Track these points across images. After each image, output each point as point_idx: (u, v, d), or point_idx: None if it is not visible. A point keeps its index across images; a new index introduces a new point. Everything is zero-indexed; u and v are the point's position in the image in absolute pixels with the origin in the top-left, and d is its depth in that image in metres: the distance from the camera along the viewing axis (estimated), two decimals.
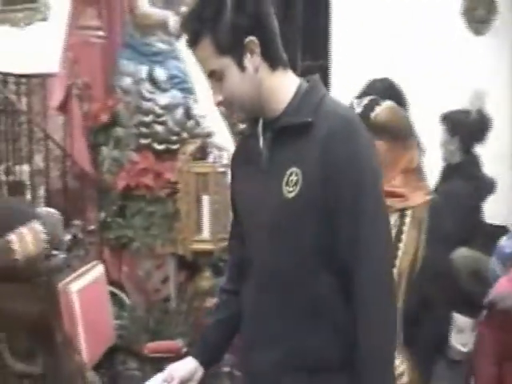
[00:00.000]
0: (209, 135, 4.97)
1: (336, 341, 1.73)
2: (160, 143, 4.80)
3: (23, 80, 6.28)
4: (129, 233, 4.64)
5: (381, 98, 2.30)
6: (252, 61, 1.73)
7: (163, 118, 4.82)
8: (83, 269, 2.96)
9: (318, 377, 1.74)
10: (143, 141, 4.79)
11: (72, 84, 5.00)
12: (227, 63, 1.73)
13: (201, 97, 5.19)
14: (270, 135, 1.78)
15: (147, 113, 4.84)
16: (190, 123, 4.94)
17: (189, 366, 1.96)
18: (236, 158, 1.99)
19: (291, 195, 1.70)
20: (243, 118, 1.92)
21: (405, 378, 2.10)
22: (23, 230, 1.73)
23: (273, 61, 1.76)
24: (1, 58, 6.38)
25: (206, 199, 4.52)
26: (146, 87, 4.91)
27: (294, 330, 1.75)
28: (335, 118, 1.72)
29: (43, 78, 6.26)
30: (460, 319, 2.72)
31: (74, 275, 2.89)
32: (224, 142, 4.93)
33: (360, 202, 1.69)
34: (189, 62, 5.30)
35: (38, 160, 5.72)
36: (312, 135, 1.70)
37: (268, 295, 1.80)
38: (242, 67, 1.73)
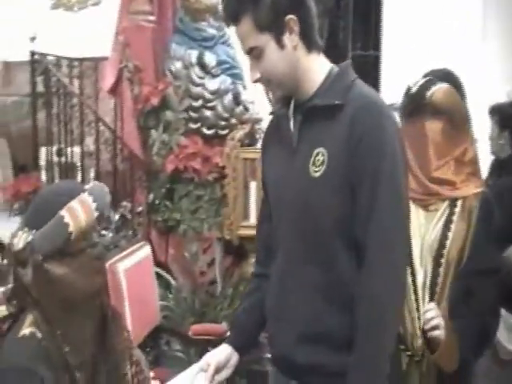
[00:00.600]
0: (257, 121, 4.97)
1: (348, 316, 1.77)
2: (209, 128, 4.83)
3: (76, 63, 6.38)
4: (176, 216, 4.68)
5: (439, 80, 2.28)
6: (291, 39, 1.77)
7: (212, 103, 4.84)
8: (131, 249, 3.00)
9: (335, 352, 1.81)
10: (192, 125, 4.83)
11: (123, 67, 5.04)
12: (266, 40, 1.76)
13: (249, 83, 5.18)
14: (300, 116, 1.84)
15: (197, 97, 4.86)
16: (239, 109, 4.95)
17: (224, 352, 2.00)
18: (267, 139, 2.04)
19: (317, 174, 1.77)
20: (279, 96, 1.93)
21: (438, 332, 2.08)
22: (73, 203, 1.78)
23: (309, 43, 1.82)
24: (55, 41, 6.49)
25: (253, 185, 4.54)
26: (196, 72, 4.92)
27: (313, 304, 1.82)
28: (363, 102, 1.77)
29: (95, 62, 6.36)
30: (510, 318, 2.67)
31: (121, 255, 2.93)
32: None
33: (377, 187, 1.72)
34: (238, 47, 5.30)
35: (89, 142, 5.80)
36: (340, 117, 1.76)
37: (292, 271, 1.87)
38: (280, 45, 1.77)
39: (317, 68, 1.86)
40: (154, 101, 4.81)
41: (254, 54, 1.79)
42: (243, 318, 2.07)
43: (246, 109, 4.98)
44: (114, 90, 5.31)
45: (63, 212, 1.77)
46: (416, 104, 2.28)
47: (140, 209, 4.41)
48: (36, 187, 5.23)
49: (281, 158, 1.91)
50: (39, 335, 1.79)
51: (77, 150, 6.02)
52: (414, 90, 2.27)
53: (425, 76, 2.42)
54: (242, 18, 1.76)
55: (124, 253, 2.94)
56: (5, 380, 1.74)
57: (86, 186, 1.87)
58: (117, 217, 2.85)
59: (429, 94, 2.23)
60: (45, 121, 6.04)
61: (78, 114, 5.75)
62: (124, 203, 3.87)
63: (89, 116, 5.82)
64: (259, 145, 4.64)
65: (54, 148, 6.06)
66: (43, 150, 6.37)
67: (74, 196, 1.80)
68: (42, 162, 6.52)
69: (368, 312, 1.73)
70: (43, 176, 6.16)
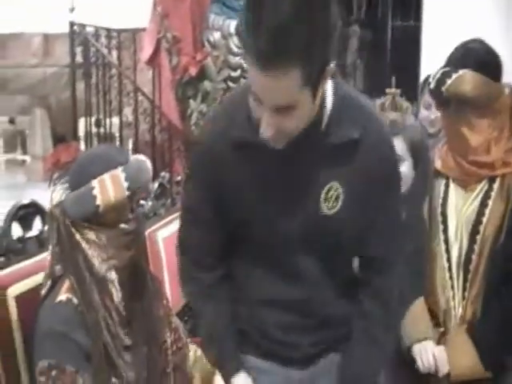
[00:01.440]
0: None
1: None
2: None
3: (114, 34, 6.38)
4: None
5: (455, 68, 2.20)
6: (322, 86, 1.49)
7: None
8: (170, 217, 2.99)
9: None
10: None
11: (161, 38, 5.03)
12: (305, 95, 1.44)
13: None
14: (305, 150, 1.60)
15: (235, 67, 4.84)
16: None
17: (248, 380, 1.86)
18: (226, 155, 1.67)
19: (332, 211, 1.65)
20: (280, 144, 1.55)
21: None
22: (105, 176, 1.75)
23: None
24: (93, 12, 6.49)
25: None
26: (235, 42, 4.89)
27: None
28: (376, 135, 1.65)
29: (133, 33, 6.35)
30: None
31: (160, 223, 2.94)
32: None
33: (395, 206, 1.77)
34: None
35: (128, 113, 5.82)
36: (353, 151, 1.61)
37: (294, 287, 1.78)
38: (314, 98, 1.47)
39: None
40: (193, 71, 4.80)
41: (285, 110, 1.44)
42: (233, 342, 1.87)
43: None
44: (152, 61, 5.31)
45: (94, 183, 1.75)
46: (437, 99, 2.27)
47: (179, 178, 4.40)
48: (75, 157, 5.24)
49: (273, 191, 1.66)
50: (75, 301, 1.79)
51: (115, 120, 6.06)
52: (432, 85, 2.21)
53: (447, 61, 2.37)
54: (291, 71, 1.36)
55: (163, 221, 2.94)
56: (42, 346, 1.75)
57: (126, 158, 1.82)
58: (155, 185, 2.84)
59: (445, 88, 2.17)
60: (84, 92, 6.06)
61: (117, 85, 5.77)
62: (162, 174, 3.86)
63: (127, 86, 5.84)
64: None
65: (93, 119, 6.09)
66: (82, 121, 6.41)
67: (111, 168, 1.76)
68: (81, 132, 6.57)
69: (385, 317, 1.80)
70: (82, 146, 6.20)
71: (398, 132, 2.54)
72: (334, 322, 1.82)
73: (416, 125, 2.79)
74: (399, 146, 2.46)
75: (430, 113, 3.70)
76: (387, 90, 5.56)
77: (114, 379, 1.82)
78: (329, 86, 1.59)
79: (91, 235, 1.79)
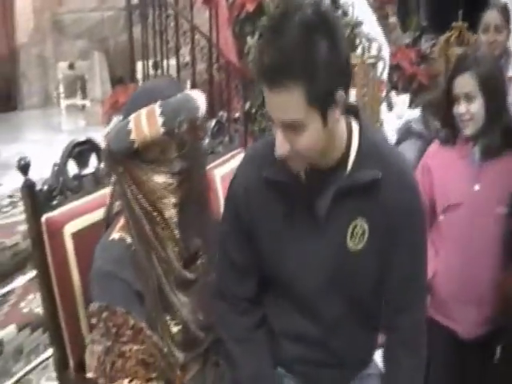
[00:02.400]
0: (357, 25, 4.76)
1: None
2: None
3: None
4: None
5: None
6: (334, 114, 1.54)
7: None
8: (227, 156, 2.93)
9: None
10: None
11: None
12: (313, 116, 1.51)
13: None
14: (334, 190, 1.66)
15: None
16: (338, 13, 4.76)
17: None
18: (255, 197, 1.74)
19: (358, 247, 1.69)
20: (299, 168, 1.65)
21: None
22: (142, 111, 1.69)
23: (342, 110, 1.60)
24: None
25: (353, 92, 4.37)
26: None
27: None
28: (397, 175, 1.70)
29: None
30: None
31: (218, 161, 2.88)
32: (373, 32, 4.72)
33: (418, 244, 1.77)
34: None
35: (185, 52, 5.75)
36: (375, 188, 1.66)
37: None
38: (325, 122, 1.53)
39: (340, 131, 1.65)
40: (250, 7, 4.71)
41: (293, 127, 1.51)
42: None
43: (345, 13, 4.79)
44: (209, 0, 5.21)
45: (131, 117, 1.69)
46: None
47: (237, 115, 4.35)
48: None
49: (299, 229, 1.71)
50: (128, 240, 1.76)
51: (172, 62, 5.99)
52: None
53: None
54: (290, 85, 1.45)
55: (221, 159, 2.88)
56: (93, 285, 1.74)
57: (177, 93, 1.74)
58: (213, 122, 2.78)
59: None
60: (140, 35, 6.01)
61: (173, 25, 5.68)
62: (220, 113, 3.81)
63: (184, 26, 5.74)
64: (359, 50, 4.47)
65: (151, 61, 6.05)
66: (139, 64, 6.38)
67: (152, 101, 1.69)
68: (139, 75, 6.54)
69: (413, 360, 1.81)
70: None
71: (467, 67, 2.38)
72: (356, 362, 1.88)
73: (488, 57, 2.56)
74: (469, 82, 2.33)
75: (488, 36, 3.56)
76: (453, 24, 5.34)
77: (168, 318, 1.79)
78: (355, 128, 1.68)
79: (136, 172, 1.74)
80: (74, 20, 7.24)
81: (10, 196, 4.44)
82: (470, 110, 2.35)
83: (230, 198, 1.82)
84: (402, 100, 5.11)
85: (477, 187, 2.38)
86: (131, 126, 1.68)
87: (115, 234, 1.78)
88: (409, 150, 2.99)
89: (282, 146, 1.56)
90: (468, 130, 2.38)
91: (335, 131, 1.61)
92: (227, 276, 1.84)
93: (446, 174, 2.47)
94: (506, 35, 3.64)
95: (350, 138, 1.67)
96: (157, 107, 1.68)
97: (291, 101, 1.48)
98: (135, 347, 1.70)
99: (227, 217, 1.83)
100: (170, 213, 1.77)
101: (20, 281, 3.48)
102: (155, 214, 1.75)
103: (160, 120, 1.67)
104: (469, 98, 2.35)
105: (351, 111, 1.71)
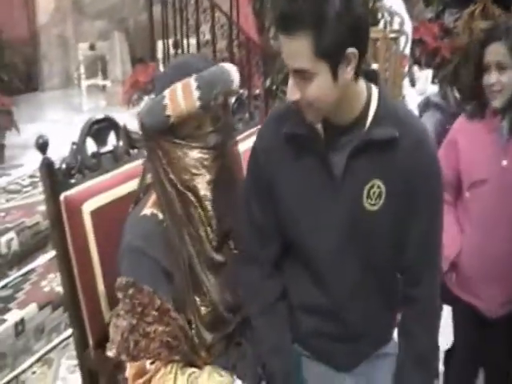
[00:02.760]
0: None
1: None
2: None
3: None
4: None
5: None
6: (346, 72, 1.56)
7: None
8: (248, 132, 2.90)
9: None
10: None
11: None
12: (321, 68, 1.53)
13: None
14: (347, 146, 1.67)
15: None
16: None
17: None
18: (275, 155, 1.75)
19: (375, 208, 1.69)
20: (313, 120, 1.66)
21: None
22: (177, 85, 1.65)
23: (359, 71, 1.62)
24: None
25: (375, 67, 4.31)
26: None
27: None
28: (416, 135, 1.70)
29: None
30: None
31: (238, 137, 2.85)
32: (395, 5, 4.63)
33: (435, 209, 1.75)
34: None
35: (205, 30, 5.71)
36: (394, 149, 1.67)
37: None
38: (335, 76, 1.55)
39: (358, 93, 1.67)
40: None
41: (303, 76, 1.55)
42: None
43: None
44: None
45: (166, 92, 1.66)
46: None
47: (257, 91, 4.30)
48: (153, 77, 5.22)
49: (315, 187, 1.72)
50: (160, 216, 1.73)
51: (192, 41, 5.96)
52: None
53: None
54: (300, 34, 1.50)
55: (241, 135, 2.85)
56: (122, 260, 1.71)
57: (210, 66, 1.71)
58: (233, 99, 2.74)
59: None
60: (160, 14, 5.98)
61: (193, 2, 5.63)
62: (241, 91, 3.78)
63: (204, 3, 5.68)
64: (381, 24, 4.40)
65: (171, 40, 6.02)
66: (160, 44, 6.34)
67: (186, 75, 1.66)
68: (159, 54, 6.51)
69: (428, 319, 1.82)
70: (161, 68, 6.16)
71: (499, 36, 2.30)
72: (371, 339, 1.86)
73: None
74: (501, 51, 2.27)
75: None
76: None
77: (197, 299, 1.77)
78: (374, 91, 1.70)
79: (169, 148, 1.71)
80: (93, 0, 7.21)
81: (31, 176, 4.45)
82: (501, 80, 2.28)
83: (252, 157, 1.82)
84: (424, 75, 5.04)
85: (504, 162, 2.31)
86: (166, 100, 1.64)
87: (147, 210, 1.75)
88: (427, 121, 2.94)
89: (292, 92, 1.60)
90: (497, 102, 2.31)
91: (351, 89, 1.63)
92: (252, 238, 1.83)
93: (473, 149, 2.40)
94: None
95: (368, 100, 1.69)
96: (192, 81, 1.65)
97: (300, 50, 1.51)
98: (160, 328, 1.69)
99: (249, 177, 1.83)
100: (205, 190, 1.74)
101: (41, 260, 3.49)
102: (188, 193, 1.72)
103: (196, 93, 1.64)
104: (501, 67, 2.28)
105: (371, 77, 1.73)
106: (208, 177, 1.73)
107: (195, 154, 1.71)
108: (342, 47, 1.52)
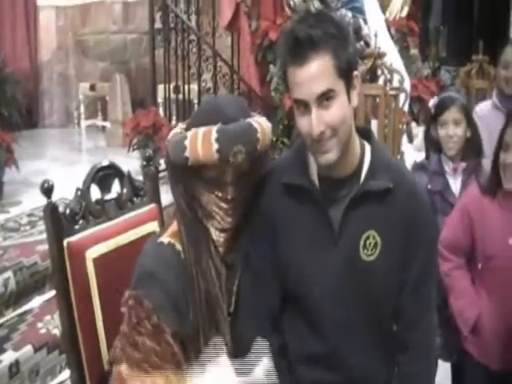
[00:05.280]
0: (379, 56, 4.77)
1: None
2: None
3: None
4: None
5: None
6: (354, 95, 1.69)
7: None
8: None
9: None
10: None
11: (241, 2, 4.98)
12: (341, 88, 1.65)
13: (371, 17, 5.01)
14: (345, 198, 1.73)
15: None
16: (360, 44, 4.78)
17: None
18: (276, 205, 1.79)
19: (371, 258, 1.73)
20: (333, 156, 1.68)
21: None
22: (200, 130, 1.67)
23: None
24: None
25: (374, 123, 4.38)
26: (315, 5, 4.79)
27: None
28: (409, 185, 1.78)
29: None
30: None
31: None
32: (395, 63, 4.73)
33: (429, 259, 1.82)
34: None
35: (207, 78, 5.79)
36: (390, 200, 1.73)
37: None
38: (349, 98, 1.68)
39: (355, 140, 1.76)
40: (273, 35, 4.73)
41: (326, 98, 1.63)
42: None
43: (367, 44, 4.80)
44: (231, 26, 5.27)
45: (189, 134, 1.68)
46: None
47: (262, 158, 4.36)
48: (155, 121, 5.27)
49: (314, 236, 1.76)
50: (178, 247, 1.75)
51: (194, 87, 6.03)
52: None
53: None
54: (322, 56, 1.61)
55: None
56: (134, 279, 1.73)
57: (240, 117, 1.69)
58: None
59: None
60: (162, 58, 6.06)
61: (196, 50, 5.72)
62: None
63: (206, 52, 5.78)
64: (381, 81, 4.48)
65: (172, 85, 6.09)
66: (161, 87, 6.42)
67: (212, 121, 1.66)
68: (160, 99, 6.58)
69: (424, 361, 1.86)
70: (161, 112, 6.22)
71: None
72: (371, 381, 1.85)
73: None
74: None
75: (507, 72, 3.62)
76: (474, 57, 5.37)
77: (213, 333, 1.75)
78: (367, 147, 1.78)
79: (192, 186, 1.74)
80: (96, 41, 7.29)
81: (30, 215, 4.46)
82: None
83: (255, 203, 1.83)
84: (421, 132, 5.10)
85: (511, 241, 2.37)
86: (187, 143, 1.67)
87: (164, 238, 1.78)
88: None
89: (317, 124, 1.63)
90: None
91: (352, 139, 1.72)
92: (252, 290, 1.83)
93: (484, 224, 2.47)
94: None
95: (362, 156, 1.76)
96: (214, 131, 1.65)
97: (324, 70, 1.61)
98: (149, 343, 1.67)
99: (253, 223, 1.84)
100: (217, 236, 1.76)
101: (38, 301, 3.49)
102: (206, 237, 1.77)
103: (215, 146, 1.63)
104: None
105: (364, 134, 1.81)
106: (222, 224, 1.75)
107: (213, 198, 1.73)
108: (352, 68, 1.67)
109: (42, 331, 3.18)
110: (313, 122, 1.63)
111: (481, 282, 2.50)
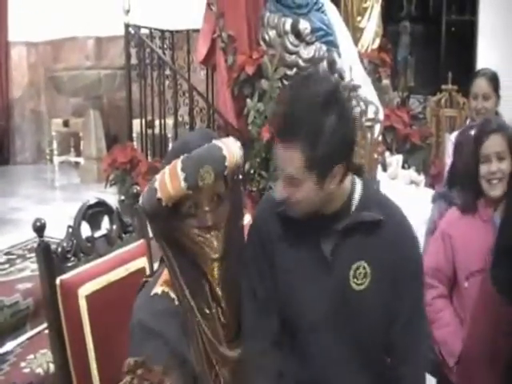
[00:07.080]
0: (354, 89, 4.85)
1: None
2: None
3: (168, 35, 6.44)
4: (272, 185, 4.62)
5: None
6: (332, 182, 1.70)
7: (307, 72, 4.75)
8: None
9: None
10: None
11: (217, 37, 5.02)
12: (309, 178, 1.67)
13: (344, 50, 5.10)
14: (338, 230, 1.77)
15: (291, 66, 4.80)
16: (334, 77, 4.84)
17: None
18: (272, 233, 1.84)
19: (361, 287, 1.76)
20: (295, 215, 1.77)
21: None
22: (166, 169, 1.67)
23: (343, 179, 1.75)
24: (147, 14, 6.53)
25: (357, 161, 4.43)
26: (291, 40, 4.85)
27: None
28: (398, 218, 1.83)
29: (187, 33, 6.37)
30: None
31: None
32: (369, 95, 4.81)
33: (417, 292, 1.85)
34: (332, 15, 5.21)
35: (183, 112, 5.81)
36: (379, 232, 1.77)
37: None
38: (321, 186, 1.69)
39: (343, 188, 1.78)
40: (249, 70, 4.77)
41: (290, 180, 1.68)
42: None
43: (342, 77, 4.88)
44: (207, 61, 5.31)
45: (157, 176, 1.69)
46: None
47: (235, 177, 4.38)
48: (132, 157, 5.29)
49: (308, 265, 1.80)
50: (172, 295, 1.75)
51: (169, 121, 6.05)
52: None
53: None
54: (294, 145, 1.62)
55: None
56: (131, 339, 1.72)
57: (203, 143, 1.70)
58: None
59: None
60: (137, 93, 6.08)
61: (172, 85, 5.76)
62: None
63: (183, 86, 5.81)
64: (356, 113, 4.54)
65: (147, 119, 6.10)
66: (136, 122, 6.43)
67: (179, 156, 1.67)
68: (135, 133, 6.59)
69: None
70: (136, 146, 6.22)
71: (495, 129, 2.50)
72: None
73: (507, 122, 2.71)
74: (500, 142, 2.47)
75: (477, 103, 3.77)
76: (443, 87, 5.53)
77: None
78: (358, 182, 1.82)
79: (170, 230, 1.72)
80: (70, 77, 7.28)
81: (7, 253, 4.41)
82: (502, 168, 2.45)
83: (254, 228, 1.89)
84: (395, 160, 5.18)
85: None
86: (156, 184, 1.67)
87: (158, 289, 1.77)
88: (434, 210, 3.03)
89: (279, 193, 1.73)
90: (497, 191, 2.46)
91: (335, 190, 1.73)
92: (250, 312, 1.84)
93: (468, 241, 2.52)
94: (494, 102, 3.87)
95: (352, 191, 1.80)
96: (179, 162, 1.66)
97: (291, 159, 1.64)
98: None
99: (251, 246, 1.88)
100: (211, 270, 1.74)
101: (19, 340, 3.45)
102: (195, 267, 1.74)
103: (182, 175, 1.64)
104: (499, 157, 2.46)
105: (356, 170, 1.84)
106: (211, 255, 1.73)
107: (195, 231, 1.71)
108: (332, 163, 1.66)
109: (26, 370, 3.14)
110: (276, 189, 1.76)
111: (465, 302, 2.52)
